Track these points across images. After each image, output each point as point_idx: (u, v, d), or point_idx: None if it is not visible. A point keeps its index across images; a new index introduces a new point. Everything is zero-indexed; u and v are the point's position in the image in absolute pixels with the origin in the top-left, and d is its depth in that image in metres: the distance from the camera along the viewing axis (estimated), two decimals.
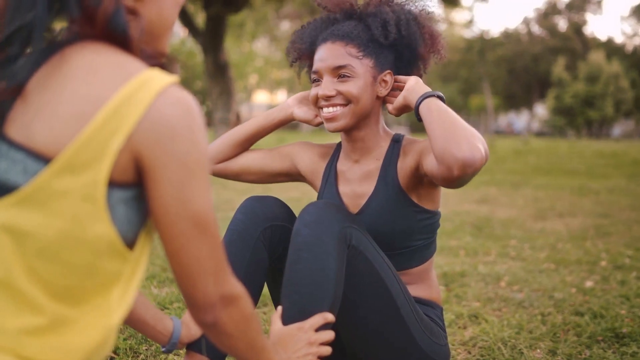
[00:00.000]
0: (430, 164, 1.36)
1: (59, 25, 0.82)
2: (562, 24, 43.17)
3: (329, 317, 1.30)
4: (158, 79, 0.77)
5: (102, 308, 0.79)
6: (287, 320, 1.30)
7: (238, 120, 11.35)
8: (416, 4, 1.55)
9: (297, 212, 1.48)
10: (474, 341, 2.01)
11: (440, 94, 1.40)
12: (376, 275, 1.39)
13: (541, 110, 46.24)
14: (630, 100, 37.59)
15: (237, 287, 0.89)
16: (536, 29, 43.39)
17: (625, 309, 2.32)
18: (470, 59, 40.45)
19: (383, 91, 1.52)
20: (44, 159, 0.74)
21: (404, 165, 1.49)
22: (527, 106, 43.82)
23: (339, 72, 1.48)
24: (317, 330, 1.28)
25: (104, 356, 0.84)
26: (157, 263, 2.95)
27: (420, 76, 1.58)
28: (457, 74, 41.41)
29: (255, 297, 1.46)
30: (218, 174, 1.69)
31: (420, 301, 1.55)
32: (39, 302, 0.76)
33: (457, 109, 35.07)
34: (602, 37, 57.13)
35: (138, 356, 1.81)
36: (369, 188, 1.54)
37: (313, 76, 1.53)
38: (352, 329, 1.43)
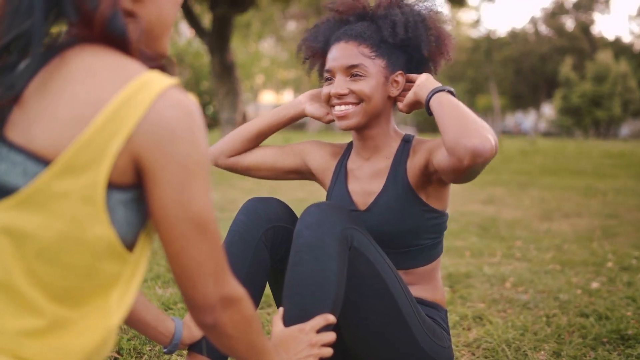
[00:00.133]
0: (441, 158, 1.38)
1: (58, 29, 0.82)
2: (569, 23, 42.98)
3: (330, 318, 1.30)
4: (158, 81, 0.77)
5: (101, 310, 0.79)
6: (288, 321, 1.30)
7: (244, 120, 11.36)
8: (425, 4, 1.56)
9: None
10: (478, 343, 2.00)
11: (451, 88, 1.42)
12: (378, 276, 1.39)
13: (548, 110, 46.01)
14: (638, 100, 37.30)
15: (237, 289, 0.89)
16: (543, 28, 43.21)
17: (631, 310, 2.31)
18: (477, 59, 40.37)
19: (394, 91, 1.54)
20: (44, 161, 0.75)
21: (414, 164, 1.50)
22: (534, 106, 43.63)
23: (352, 71, 1.50)
24: (319, 331, 1.28)
25: (104, 357, 0.84)
26: (161, 264, 2.96)
27: None
28: (464, 74, 41.27)
29: (257, 298, 1.46)
30: (228, 168, 1.69)
31: (424, 303, 1.55)
32: (38, 303, 0.76)
33: None
34: (610, 37, 56.95)
35: (142, 357, 1.81)
36: (378, 186, 1.55)
37: (326, 75, 1.56)
38: (353, 331, 1.43)
